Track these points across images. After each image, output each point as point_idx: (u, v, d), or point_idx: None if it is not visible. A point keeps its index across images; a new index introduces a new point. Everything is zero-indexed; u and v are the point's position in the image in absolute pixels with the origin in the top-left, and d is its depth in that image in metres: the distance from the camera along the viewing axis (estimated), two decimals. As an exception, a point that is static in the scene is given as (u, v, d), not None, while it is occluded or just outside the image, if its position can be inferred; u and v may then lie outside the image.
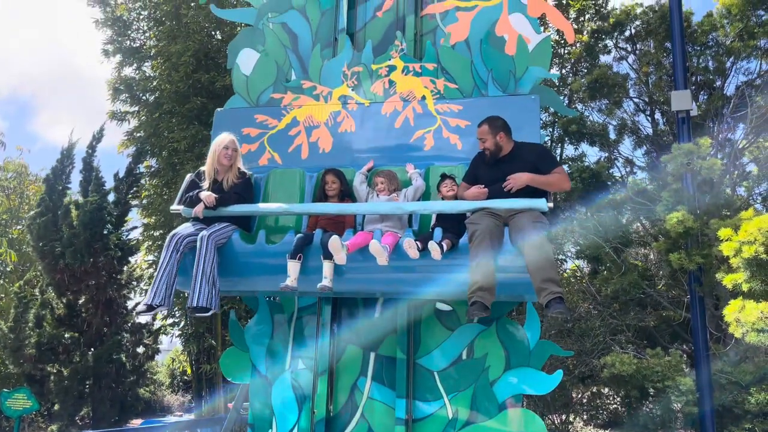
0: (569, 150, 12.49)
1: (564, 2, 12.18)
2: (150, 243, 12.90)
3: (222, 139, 4.96)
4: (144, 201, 13.24)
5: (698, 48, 10.74)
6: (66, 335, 12.01)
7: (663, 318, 9.88)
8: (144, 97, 12.46)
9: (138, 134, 12.61)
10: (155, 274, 4.47)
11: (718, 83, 10.79)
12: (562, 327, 10.31)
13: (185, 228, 4.67)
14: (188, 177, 5.14)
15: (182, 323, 13.03)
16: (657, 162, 9.45)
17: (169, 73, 11.42)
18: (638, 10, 11.18)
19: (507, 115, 4.73)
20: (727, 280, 5.76)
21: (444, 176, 4.84)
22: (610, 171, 11.59)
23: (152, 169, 13.18)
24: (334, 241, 4.27)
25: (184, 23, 11.47)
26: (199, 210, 4.67)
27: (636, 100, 11.71)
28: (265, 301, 5.64)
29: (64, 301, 12.06)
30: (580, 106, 11.88)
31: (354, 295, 5.20)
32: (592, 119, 11.63)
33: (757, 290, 5.48)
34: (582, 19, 12.46)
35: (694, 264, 6.94)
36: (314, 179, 5.29)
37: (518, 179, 4.32)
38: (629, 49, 11.59)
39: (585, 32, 12.02)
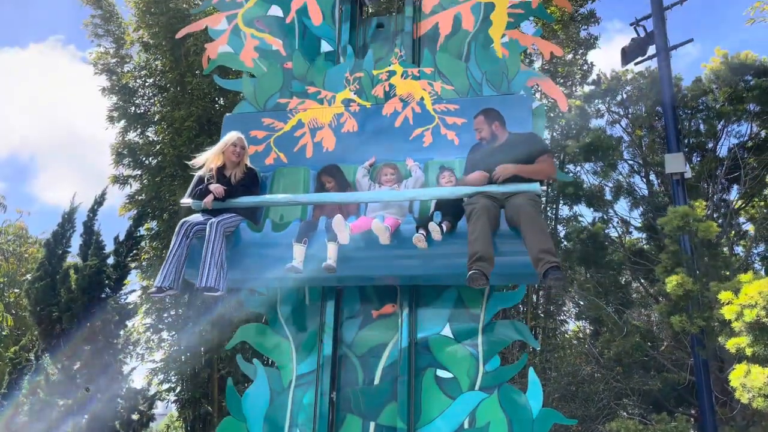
0: (564, 210, 12.60)
1: (551, 69, 12.55)
2: (148, 306, 12.81)
3: (230, 137, 5.22)
4: (144, 263, 13.22)
5: (689, 111, 11.00)
6: (60, 402, 11.74)
7: (667, 381, 9.73)
8: (147, 161, 12.65)
9: (140, 197, 12.72)
10: (165, 258, 4.61)
11: (710, 145, 11.00)
12: (566, 391, 10.13)
13: (195, 217, 4.85)
14: (197, 174, 5.30)
15: (178, 389, 12.77)
16: (654, 223, 9.53)
17: (173, 137, 11.64)
18: (629, 76, 11.51)
19: (501, 112, 4.99)
20: (731, 344, 5.72)
21: (443, 168, 5.13)
22: (607, 231, 11.66)
23: (153, 232, 13.22)
24: (337, 219, 4.49)
25: (188, 90, 11.78)
26: (208, 201, 4.86)
27: (630, 162, 11.91)
28: (263, 368, 5.57)
29: (59, 366, 11.85)
30: (574, 166, 12.06)
31: (357, 281, 5.22)
32: (587, 180, 11.79)
33: (761, 354, 5.43)
34: (570, 83, 12.79)
35: (696, 327, 6.89)
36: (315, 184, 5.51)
37: (505, 170, 4.49)
38: (621, 113, 11.87)
39: (574, 96, 12.33)
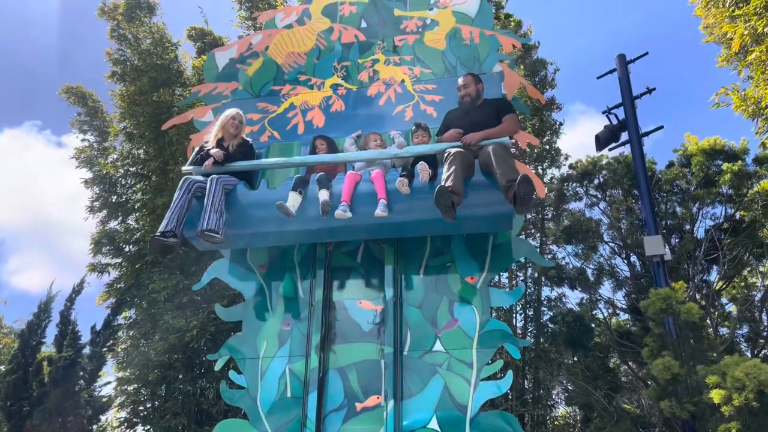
0: (546, 290, 12.54)
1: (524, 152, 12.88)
2: (123, 398, 12.28)
3: (229, 111, 5.75)
4: (120, 352, 12.80)
5: (664, 195, 11.27)
6: (24, 506, 11.01)
7: (662, 469, 9.43)
8: (126, 249, 12.52)
9: (118, 285, 12.49)
10: (169, 208, 5.03)
11: (687, 227, 11.21)
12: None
13: (196, 177, 5.30)
14: (197, 147, 5.74)
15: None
16: (638, 304, 9.53)
17: (153, 224, 11.59)
18: (604, 161, 11.85)
19: None
20: (721, 430, 5.59)
21: (417, 126, 5.65)
22: (593, 313, 11.61)
23: (131, 320, 12.90)
24: (338, 214, 4.86)
25: (171, 177, 11.86)
26: (208, 164, 5.31)
27: (611, 244, 12.04)
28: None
29: (26, 466, 11.21)
30: (554, 247, 12.14)
31: (346, 233, 5.34)
32: (570, 263, 11.85)
33: (754, 441, 5.31)
34: (541, 168, 13.07)
35: (686, 412, 6.75)
36: (308, 148, 5.99)
37: (474, 138, 5.01)
38: (599, 196, 12.12)
39: (546, 179, 12.58)
